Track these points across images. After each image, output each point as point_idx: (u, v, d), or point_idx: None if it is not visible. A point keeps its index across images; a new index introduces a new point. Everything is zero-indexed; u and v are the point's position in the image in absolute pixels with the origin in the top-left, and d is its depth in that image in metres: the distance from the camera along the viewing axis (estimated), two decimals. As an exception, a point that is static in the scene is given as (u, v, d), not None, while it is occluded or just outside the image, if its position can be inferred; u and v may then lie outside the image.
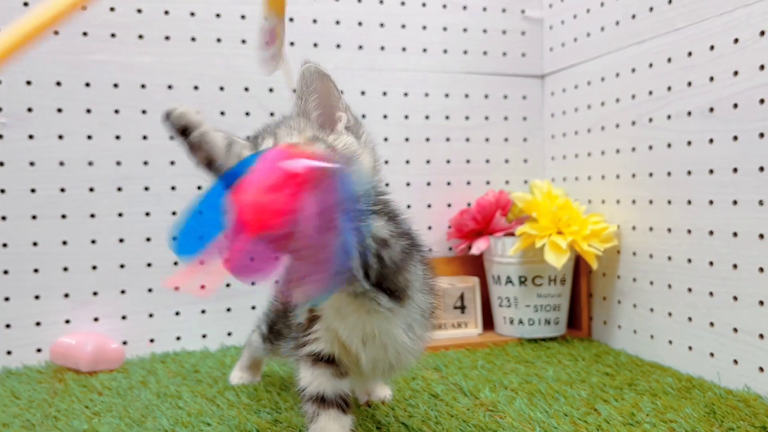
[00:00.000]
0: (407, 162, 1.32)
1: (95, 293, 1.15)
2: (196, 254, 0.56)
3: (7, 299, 1.11)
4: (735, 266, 0.92)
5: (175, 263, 1.19)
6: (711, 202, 0.96)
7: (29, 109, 1.11)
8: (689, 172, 1.00)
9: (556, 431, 0.75)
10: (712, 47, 0.96)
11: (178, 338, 1.19)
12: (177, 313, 1.19)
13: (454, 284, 1.25)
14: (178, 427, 0.78)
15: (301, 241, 0.50)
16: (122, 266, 1.16)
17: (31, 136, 1.11)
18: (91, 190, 1.14)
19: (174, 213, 1.18)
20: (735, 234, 0.92)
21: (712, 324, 0.96)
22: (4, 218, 1.10)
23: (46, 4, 0.46)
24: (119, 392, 0.94)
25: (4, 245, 1.10)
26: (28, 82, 1.11)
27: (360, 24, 1.28)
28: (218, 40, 1.20)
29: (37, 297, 1.12)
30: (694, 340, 1.00)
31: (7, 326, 1.11)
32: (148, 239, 1.17)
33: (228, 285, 1.21)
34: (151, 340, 1.18)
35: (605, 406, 0.82)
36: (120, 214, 1.16)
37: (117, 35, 1.15)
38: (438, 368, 1.03)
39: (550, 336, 1.21)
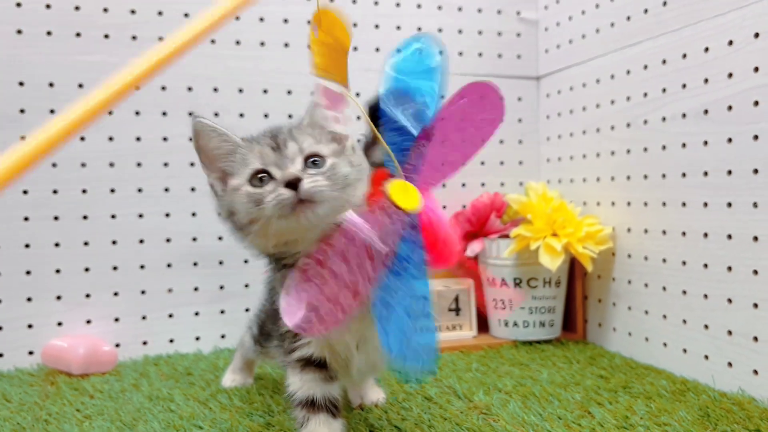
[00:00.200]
0: (402, 164, 1.32)
1: (88, 295, 1.14)
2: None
3: (-2, 301, 1.10)
4: (729, 268, 0.92)
5: (169, 265, 1.18)
6: (706, 204, 0.96)
7: (21, 110, 1.11)
8: (684, 174, 1.00)
9: (549, 434, 0.75)
10: (706, 49, 0.96)
11: (171, 341, 1.19)
12: (170, 316, 1.19)
13: (449, 286, 1.25)
14: (170, 431, 0.78)
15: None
16: (115, 268, 1.16)
17: (23, 138, 1.11)
18: (84, 191, 1.14)
19: (167, 215, 1.18)
20: (729, 236, 0.92)
21: (706, 326, 0.96)
22: (-4, 220, 1.10)
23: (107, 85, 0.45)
24: (111, 395, 0.93)
25: (-4, 247, 1.10)
26: (21, 83, 1.11)
27: (355, 25, 1.28)
28: (212, 42, 1.20)
29: (29, 299, 1.11)
30: (689, 343, 0.99)
31: (-1, 328, 1.10)
32: (141, 241, 1.17)
33: (222, 287, 1.21)
34: (144, 343, 1.17)
35: (599, 409, 0.82)
36: (113, 216, 1.15)
37: (110, 36, 1.15)
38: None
39: (545, 338, 1.21)
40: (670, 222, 1.03)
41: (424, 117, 0.61)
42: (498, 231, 1.26)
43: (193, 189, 1.19)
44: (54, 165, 1.12)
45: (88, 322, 1.14)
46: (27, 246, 1.11)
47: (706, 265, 0.96)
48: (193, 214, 1.19)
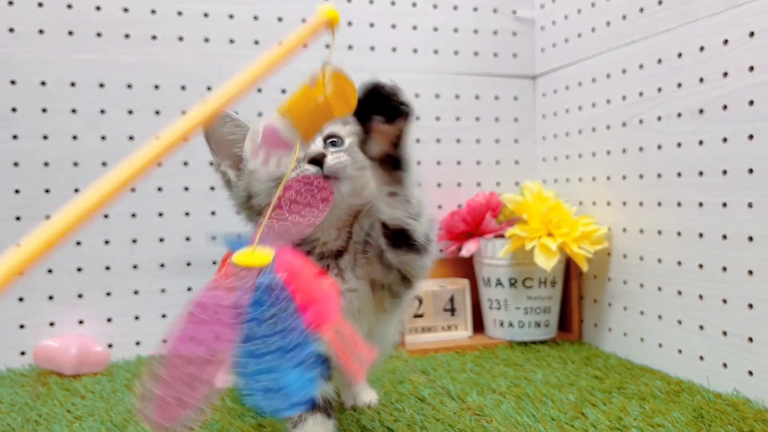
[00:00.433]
0: (397, 163, 1.31)
1: (80, 295, 1.14)
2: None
3: (-10, 301, 1.09)
4: (725, 269, 0.91)
5: (162, 265, 1.17)
6: (701, 204, 0.95)
7: (13, 109, 1.10)
8: (679, 174, 0.99)
9: (542, 436, 0.74)
10: (701, 48, 0.95)
11: (164, 341, 1.18)
12: (163, 316, 1.18)
13: (444, 286, 1.24)
14: (160, 432, 0.77)
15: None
16: (108, 268, 1.15)
17: (15, 137, 1.10)
18: (77, 191, 1.13)
19: (161, 215, 1.17)
20: (724, 236, 0.91)
21: (701, 327, 0.96)
22: (-13, 219, 1.09)
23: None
24: (102, 396, 0.93)
25: (-12, 247, 1.09)
26: (13, 82, 1.10)
27: (350, 24, 1.27)
28: (206, 40, 1.19)
29: (20, 299, 1.11)
30: (684, 343, 0.99)
31: (-9, 329, 1.09)
32: (134, 241, 1.16)
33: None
34: (137, 343, 1.17)
35: (593, 410, 0.81)
36: (105, 216, 1.14)
37: (103, 34, 1.14)
38: (426, 371, 1.02)
39: (540, 339, 1.20)
40: (666, 222, 1.02)
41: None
42: (493, 231, 1.25)
43: (186, 188, 1.18)
44: (46, 164, 1.11)
45: (81, 322, 1.14)
46: (18, 246, 1.10)
47: (701, 266, 0.95)
48: (187, 214, 1.19)
